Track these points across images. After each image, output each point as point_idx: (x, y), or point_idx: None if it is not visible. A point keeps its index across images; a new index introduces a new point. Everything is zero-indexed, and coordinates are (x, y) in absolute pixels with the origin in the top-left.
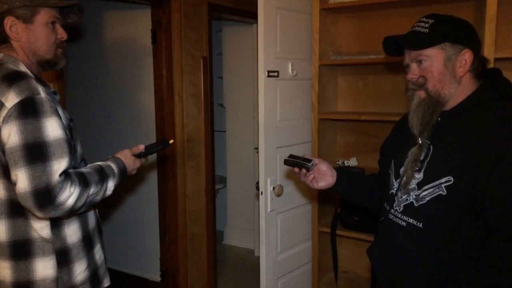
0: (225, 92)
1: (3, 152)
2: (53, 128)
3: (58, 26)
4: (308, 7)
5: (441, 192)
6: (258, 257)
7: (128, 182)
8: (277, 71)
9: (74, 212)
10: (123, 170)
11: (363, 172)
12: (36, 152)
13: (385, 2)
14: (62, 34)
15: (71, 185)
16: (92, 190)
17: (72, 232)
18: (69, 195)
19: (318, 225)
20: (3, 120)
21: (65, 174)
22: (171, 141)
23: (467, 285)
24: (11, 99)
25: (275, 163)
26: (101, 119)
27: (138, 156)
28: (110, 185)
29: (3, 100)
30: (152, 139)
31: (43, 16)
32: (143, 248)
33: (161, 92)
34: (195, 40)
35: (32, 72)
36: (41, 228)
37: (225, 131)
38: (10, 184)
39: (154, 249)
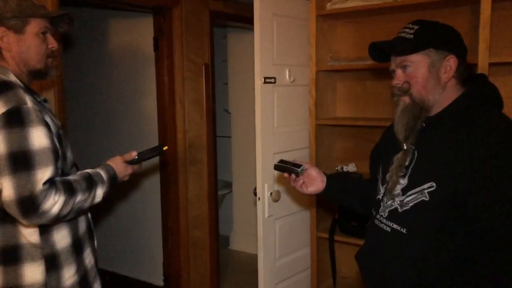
0: (230, 98)
1: None
2: (39, 137)
3: (49, 36)
4: (305, 13)
5: (424, 198)
6: None
7: (131, 188)
8: (274, 78)
9: (61, 219)
10: (113, 177)
11: (360, 177)
12: (21, 161)
13: (382, 8)
14: (53, 44)
15: (55, 193)
16: (79, 197)
17: (60, 237)
18: (54, 203)
19: (317, 231)
20: None
21: (50, 182)
22: (165, 148)
23: None
24: None
25: (272, 168)
26: (104, 125)
27: (130, 162)
28: (99, 192)
29: None
30: (154, 145)
31: (34, 26)
32: (146, 252)
33: (163, 99)
34: (196, 47)
35: (22, 82)
36: (29, 234)
37: (230, 137)
38: None
39: (157, 254)
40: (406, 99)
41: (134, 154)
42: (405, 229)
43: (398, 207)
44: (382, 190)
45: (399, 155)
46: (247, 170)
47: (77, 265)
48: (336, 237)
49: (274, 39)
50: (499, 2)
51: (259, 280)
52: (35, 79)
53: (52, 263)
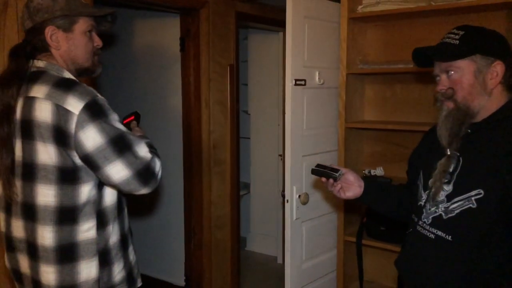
0: (250, 99)
1: (81, 157)
2: (118, 122)
3: (94, 34)
4: (336, 16)
5: (471, 205)
6: (281, 264)
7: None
8: (304, 80)
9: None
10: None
11: (390, 182)
12: (122, 143)
13: (413, 12)
14: (98, 42)
15: (157, 158)
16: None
17: (113, 232)
18: (160, 166)
19: (344, 234)
20: (76, 126)
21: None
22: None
23: None
24: (76, 105)
25: (301, 171)
26: None
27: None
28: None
29: (65, 106)
30: (179, 145)
31: (82, 25)
32: (168, 252)
33: (189, 99)
34: (222, 48)
35: None
36: (87, 229)
37: (249, 138)
38: (62, 190)
39: (179, 254)
40: (449, 104)
41: (135, 122)
42: (450, 236)
43: (443, 213)
44: (424, 196)
45: (443, 160)
46: (265, 172)
47: (124, 261)
48: (364, 241)
49: (305, 41)
50: None
51: (286, 282)
52: (81, 76)
53: (105, 258)
